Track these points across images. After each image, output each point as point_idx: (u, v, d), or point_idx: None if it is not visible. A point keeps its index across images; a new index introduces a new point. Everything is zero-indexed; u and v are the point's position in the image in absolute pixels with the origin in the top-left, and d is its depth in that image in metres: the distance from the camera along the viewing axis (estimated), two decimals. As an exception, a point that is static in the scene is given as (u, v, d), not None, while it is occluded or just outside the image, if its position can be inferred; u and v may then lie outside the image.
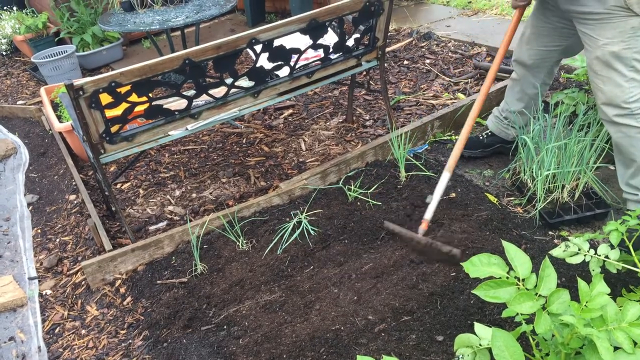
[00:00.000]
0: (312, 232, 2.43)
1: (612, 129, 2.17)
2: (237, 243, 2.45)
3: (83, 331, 2.22)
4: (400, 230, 2.23)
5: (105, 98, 2.15)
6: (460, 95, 3.50)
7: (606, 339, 1.18)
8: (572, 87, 3.09)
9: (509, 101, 2.73)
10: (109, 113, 2.23)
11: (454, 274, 2.11)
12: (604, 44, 2.06)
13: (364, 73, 3.82)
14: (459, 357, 1.52)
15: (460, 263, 1.99)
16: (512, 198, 2.56)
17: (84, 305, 2.35)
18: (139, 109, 2.29)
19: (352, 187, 2.68)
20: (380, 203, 2.56)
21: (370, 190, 2.67)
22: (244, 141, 3.42)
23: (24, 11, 5.65)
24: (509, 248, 1.41)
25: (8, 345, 2.20)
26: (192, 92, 2.41)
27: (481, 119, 3.26)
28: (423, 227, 2.18)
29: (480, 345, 1.49)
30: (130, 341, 2.13)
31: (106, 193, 2.71)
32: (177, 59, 2.20)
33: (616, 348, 1.20)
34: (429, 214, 2.19)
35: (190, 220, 2.61)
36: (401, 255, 2.23)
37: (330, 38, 2.72)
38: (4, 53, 5.84)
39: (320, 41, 2.57)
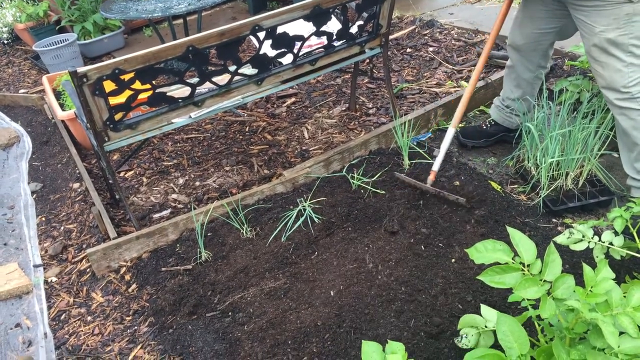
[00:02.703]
0: (315, 219, 2.44)
1: (615, 111, 2.18)
2: (241, 230, 2.46)
3: (89, 318, 2.24)
4: (410, 181, 2.54)
5: (109, 85, 2.15)
6: (464, 83, 3.49)
7: (611, 324, 1.19)
8: (576, 74, 3.08)
9: (507, 89, 2.72)
10: (113, 100, 2.22)
11: (454, 260, 2.12)
12: (600, 31, 2.06)
13: (367, 61, 3.80)
14: (463, 336, 1.53)
15: (466, 205, 2.38)
16: (516, 186, 2.56)
17: (89, 292, 2.36)
18: (143, 96, 2.29)
19: (356, 175, 2.68)
20: (384, 191, 2.57)
21: (374, 178, 2.67)
22: (246, 129, 3.41)
23: (24, -1, 5.63)
24: (514, 234, 1.41)
25: (14, 331, 2.22)
26: (195, 80, 2.40)
27: (485, 106, 3.25)
28: (431, 177, 2.49)
29: (485, 327, 1.50)
30: (135, 327, 2.14)
31: (110, 181, 2.72)
32: (181, 46, 2.19)
33: (621, 333, 1.21)
34: (436, 166, 2.49)
35: (194, 208, 2.62)
36: (405, 241, 2.24)
37: (333, 25, 2.71)
38: (5, 42, 5.82)
39: (323, 28, 2.56)
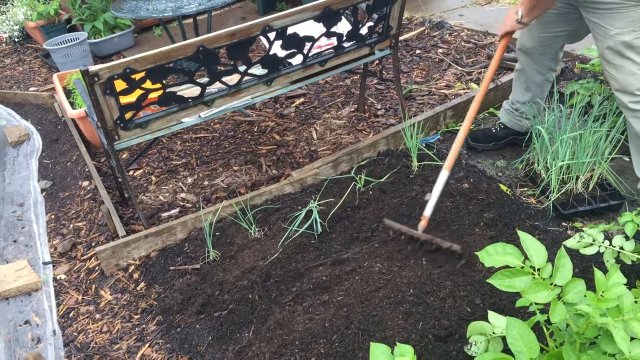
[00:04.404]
0: (323, 221, 2.43)
1: (628, 114, 2.17)
2: (250, 230, 2.46)
3: (97, 315, 2.25)
4: (400, 227, 2.24)
5: (119, 84, 2.16)
6: (473, 85, 3.48)
7: (622, 329, 1.18)
8: (588, 77, 3.06)
9: (517, 92, 2.71)
10: (124, 99, 2.23)
11: (461, 266, 2.11)
12: (615, 34, 2.04)
13: (377, 62, 3.80)
14: (472, 344, 1.52)
15: (461, 259, 2.06)
16: (526, 189, 2.54)
17: (97, 290, 2.38)
18: (153, 95, 2.30)
19: (364, 177, 2.67)
20: (392, 192, 2.56)
21: (382, 180, 2.66)
22: (255, 129, 3.42)
23: (36, -2, 5.67)
24: (525, 237, 1.40)
25: (23, 328, 2.23)
26: (205, 80, 2.41)
27: (495, 109, 3.24)
28: (422, 224, 2.18)
29: (494, 333, 1.50)
30: (143, 326, 2.15)
31: (120, 180, 2.73)
32: (191, 45, 2.20)
33: (632, 338, 1.20)
34: (428, 211, 2.19)
35: (203, 208, 2.62)
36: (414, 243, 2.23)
37: (343, 26, 2.71)
38: (16, 40, 5.86)
39: (333, 29, 2.56)
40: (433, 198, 2.21)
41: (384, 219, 2.33)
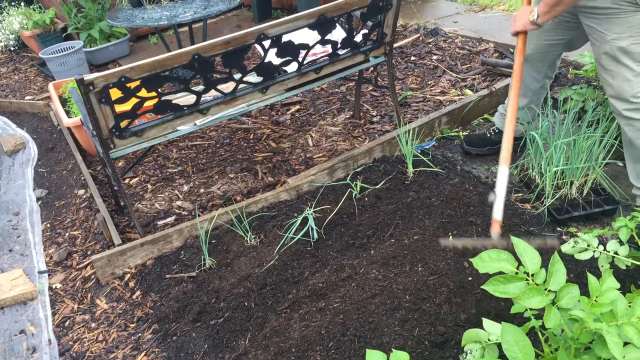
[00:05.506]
0: (319, 228, 2.44)
1: (622, 122, 2.17)
2: (246, 238, 2.46)
3: (93, 324, 2.24)
4: (468, 242, 2.07)
5: (115, 93, 2.16)
6: (468, 91, 3.50)
7: (616, 334, 1.18)
8: (581, 83, 3.08)
9: None
10: (119, 108, 2.24)
11: (461, 272, 2.12)
12: (612, 39, 2.05)
13: (372, 69, 3.82)
14: (467, 352, 1.52)
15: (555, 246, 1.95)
16: (520, 194, 2.55)
17: (93, 299, 2.37)
18: (148, 104, 2.30)
19: (360, 183, 2.68)
20: (388, 199, 2.57)
21: (378, 186, 2.67)
22: (251, 137, 3.43)
23: (31, 7, 5.68)
24: (518, 243, 1.40)
25: (19, 338, 2.22)
26: (200, 88, 2.42)
27: (489, 115, 3.26)
28: (496, 229, 2.01)
29: (489, 340, 1.50)
30: (139, 334, 2.15)
31: (115, 188, 2.73)
32: (187, 54, 2.21)
33: (626, 343, 1.21)
34: (498, 214, 2.03)
35: (199, 215, 2.62)
36: (408, 250, 2.24)
37: (338, 34, 2.73)
38: (12, 48, 5.87)
39: (328, 37, 2.58)
40: (499, 198, 2.05)
41: (440, 240, 2.12)
